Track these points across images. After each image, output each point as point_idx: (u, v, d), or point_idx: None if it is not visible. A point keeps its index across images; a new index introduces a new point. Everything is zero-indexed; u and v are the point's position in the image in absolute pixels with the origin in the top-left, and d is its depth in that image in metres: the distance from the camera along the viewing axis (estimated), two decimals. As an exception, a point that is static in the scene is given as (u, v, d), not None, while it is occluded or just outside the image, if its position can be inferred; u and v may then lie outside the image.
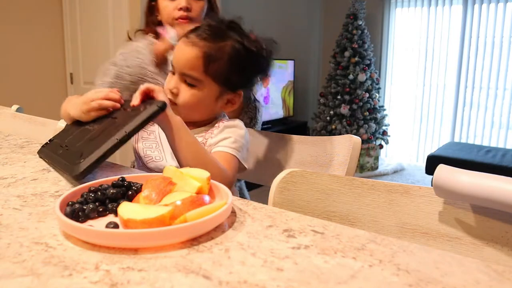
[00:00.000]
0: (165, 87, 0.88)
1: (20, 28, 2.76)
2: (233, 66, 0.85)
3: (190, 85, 0.85)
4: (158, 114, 0.72)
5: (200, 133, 0.89)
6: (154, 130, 0.95)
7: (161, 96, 0.76)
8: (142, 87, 0.77)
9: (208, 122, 0.91)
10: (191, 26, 1.09)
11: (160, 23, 1.27)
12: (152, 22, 1.29)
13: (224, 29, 0.87)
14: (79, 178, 0.66)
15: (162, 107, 0.72)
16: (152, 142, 0.93)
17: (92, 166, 0.66)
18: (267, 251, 0.44)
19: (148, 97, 0.77)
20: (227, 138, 0.85)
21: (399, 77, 4.28)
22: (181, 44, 0.87)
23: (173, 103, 0.85)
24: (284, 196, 0.74)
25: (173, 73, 0.88)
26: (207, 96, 0.86)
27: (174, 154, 0.79)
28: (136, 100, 0.76)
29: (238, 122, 0.90)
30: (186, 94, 0.85)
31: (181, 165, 0.78)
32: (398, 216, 0.64)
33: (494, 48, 3.76)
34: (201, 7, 1.23)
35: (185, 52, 0.85)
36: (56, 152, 0.79)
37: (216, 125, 0.89)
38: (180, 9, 1.19)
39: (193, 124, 0.89)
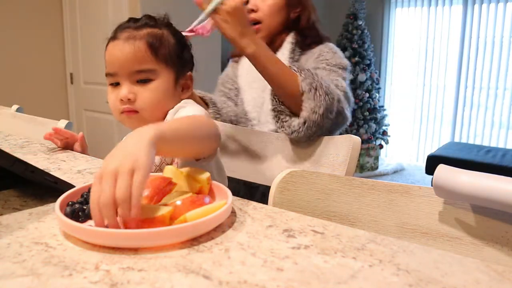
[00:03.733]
0: (114, 101, 0.81)
1: (20, 28, 2.76)
2: (176, 44, 0.84)
3: (145, 82, 0.79)
4: None
5: None
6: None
7: None
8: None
9: (163, 119, 0.83)
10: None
11: None
12: None
13: (147, 19, 0.84)
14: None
15: None
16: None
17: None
18: (267, 251, 0.44)
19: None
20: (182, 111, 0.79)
21: (399, 77, 4.28)
22: (116, 46, 0.80)
23: (134, 112, 0.79)
24: (284, 196, 0.74)
25: (113, 85, 0.82)
26: (166, 85, 0.81)
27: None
28: None
29: (186, 99, 0.85)
30: (145, 93, 0.79)
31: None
32: (398, 216, 0.64)
33: (494, 48, 3.76)
34: (270, 5, 1.15)
35: (128, 49, 0.79)
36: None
37: (167, 117, 0.82)
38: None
39: None
